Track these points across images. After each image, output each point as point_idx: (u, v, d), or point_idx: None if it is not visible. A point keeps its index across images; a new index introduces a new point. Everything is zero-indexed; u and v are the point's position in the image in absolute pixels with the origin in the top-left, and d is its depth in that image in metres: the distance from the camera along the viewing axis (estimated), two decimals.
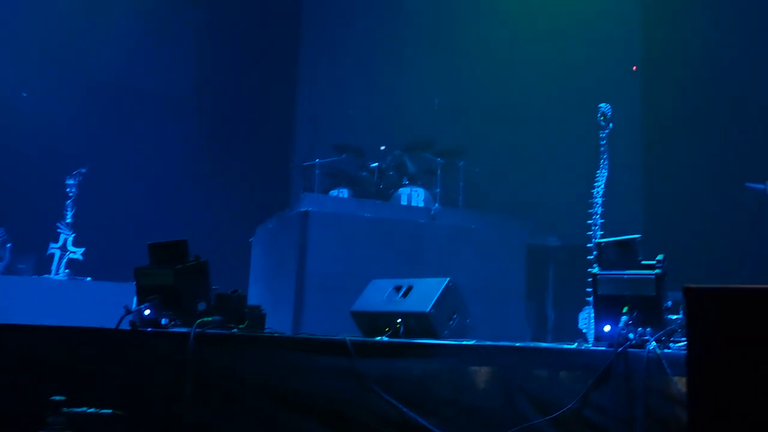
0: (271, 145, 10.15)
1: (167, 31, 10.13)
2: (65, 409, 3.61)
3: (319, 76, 10.63)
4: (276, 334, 4.37)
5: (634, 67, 8.60)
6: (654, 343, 3.30)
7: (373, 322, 4.56)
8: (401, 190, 7.99)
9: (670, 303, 3.58)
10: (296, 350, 3.98)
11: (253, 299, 6.94)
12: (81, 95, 9.58)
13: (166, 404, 4.00)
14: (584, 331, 4.12)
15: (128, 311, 4.28)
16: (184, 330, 4.19)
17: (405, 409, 3.67)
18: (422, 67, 9.73)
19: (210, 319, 4.25)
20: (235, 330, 4.29)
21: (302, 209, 6.83)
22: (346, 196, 8.04)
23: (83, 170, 7.95)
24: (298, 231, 6.72)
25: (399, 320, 4.38)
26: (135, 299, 4.64)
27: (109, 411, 3.75)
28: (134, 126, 9.71)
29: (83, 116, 9.47)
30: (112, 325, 4.20)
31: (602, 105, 4.54)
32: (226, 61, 10.21)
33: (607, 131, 4.50)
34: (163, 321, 4.35)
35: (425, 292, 4.53)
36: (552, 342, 5.35)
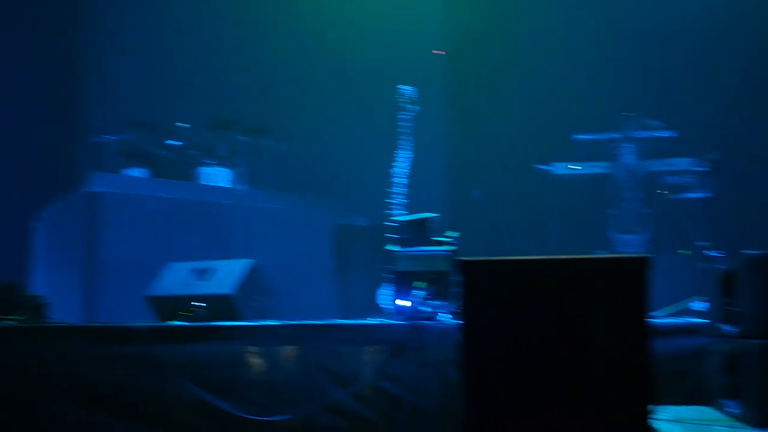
0: (55, 121, 9.31)
1: None
2: None
3: (111, 48, 9.94)
4: (59, 324, 4.04)
5: (437, 51, 8.89)
6: (446, 315, 3.45)
7: (172, 306, 4.38)
8: (202, 169, 7.71)
9: None
10: (83, 340, 3.71)
11: (38, 289, 6.41)
12: None
13: None
14: (383, 306, 4.23)
15: None
16: None
17: (206, 395, 3.56)
18: (226, 43, 9.43)
19: None
20: (11, 322, 3.92)
21: (90, 190, 6.38)
22: (141, 175, 7.61)
23: None
24: (86, 214, 6.25)
25: (201, 303, 4.25)
26: None
27: None
28: None
29: None
30: None
31: (404, 87, 4.63)
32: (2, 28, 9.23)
33: (409, 113, 4.60)
34: None
35: (228, 274, 4.46)
36: (359, 319, 5.45)
